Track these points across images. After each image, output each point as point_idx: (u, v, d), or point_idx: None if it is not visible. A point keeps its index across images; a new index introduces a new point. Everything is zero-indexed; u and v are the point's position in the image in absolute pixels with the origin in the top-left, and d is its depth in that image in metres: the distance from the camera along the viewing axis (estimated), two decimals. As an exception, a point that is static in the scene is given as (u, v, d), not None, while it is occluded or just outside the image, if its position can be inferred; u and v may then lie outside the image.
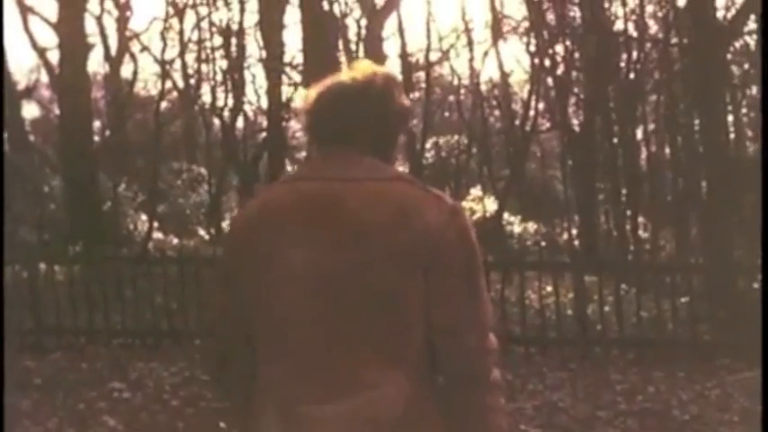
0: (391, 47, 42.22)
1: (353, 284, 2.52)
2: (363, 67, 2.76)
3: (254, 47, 27.44)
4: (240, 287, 2.67)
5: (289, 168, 27.25)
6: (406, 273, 2.53)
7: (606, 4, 22.12)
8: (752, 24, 18.51)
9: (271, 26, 21.29)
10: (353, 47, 27.38)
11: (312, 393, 2.54)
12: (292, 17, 22.32)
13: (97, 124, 28.62)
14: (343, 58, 26.65)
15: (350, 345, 2.53)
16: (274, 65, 21.62)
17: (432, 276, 2.54)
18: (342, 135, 2.69)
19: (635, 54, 22.40)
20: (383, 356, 2.53)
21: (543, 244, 24.63)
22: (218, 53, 27.94)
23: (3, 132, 13.82)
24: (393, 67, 34.72)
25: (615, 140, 22.45)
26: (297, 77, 24.68)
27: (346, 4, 25.47)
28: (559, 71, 23.47)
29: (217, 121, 28.36)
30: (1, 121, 18.87)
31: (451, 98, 31.12)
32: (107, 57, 29.23)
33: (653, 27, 23.44)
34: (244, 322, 2.69)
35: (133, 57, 30.09)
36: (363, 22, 25.91)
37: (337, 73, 2.78)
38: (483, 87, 28.90)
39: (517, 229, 27.70)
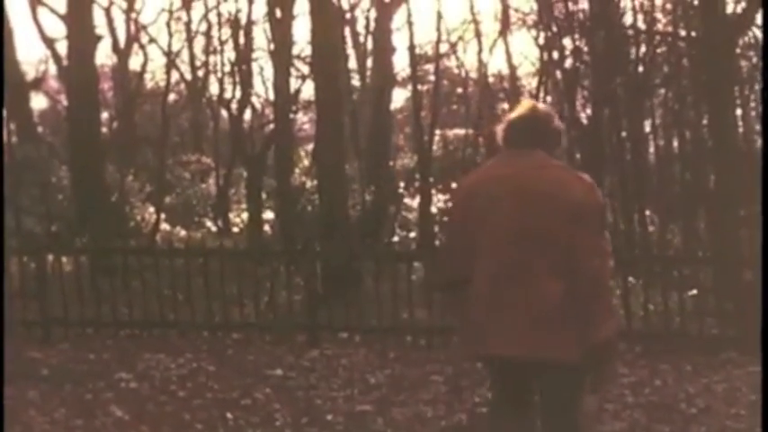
0: (400, 39, 42.15)
1: (531, 226, 4.51)
2: (532, 104, 4.93)
3: (262, 38, 27.43)
4: (464, 227, 4.74)
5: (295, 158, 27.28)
6: (561, 221, 4.47)
7: (615, -3, 22.05)
8: (760, 18, 18.44)
9: (279, 18, 21.26)
10: (362, 39, 27.41)
11: (507, 285, 4.54)
12: (301, 8, 22.35)
13: (105, 116, 28.65)
14: (351, 50, 26.69)
15: (527, 259, 4.51)
16: (282, 57, 21.59)
17: (578, 223, 4.46)
18: (524, 141, 4.71)
19: (643, 47, 22.36)
20: (546, 267, 4.49)
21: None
22: (226, 45, 27.94)
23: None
24: (401, 59, 34.76)
25: (623, 134, 22.41)
26: (305, 69, 24.70)
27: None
28: (568, 64, 23.43)
29: (224, 113, 28.36)
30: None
31: (459, 90, 31.05)
32: (115, 48, 29.23)
33: (661, 20, 23.38)
34: (467, 246, 4.70)
35: (142, 48, 30.10)
36: (372, 14, 25.94)
37: (519, 108, 4.84)
38: (491, 80, 28.86)
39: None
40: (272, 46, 23.48)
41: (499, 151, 4.85)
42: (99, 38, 20.26)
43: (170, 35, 28.65)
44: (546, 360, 4.50)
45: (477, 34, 26.39)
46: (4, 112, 20.22)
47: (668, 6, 22.61)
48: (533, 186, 4.53)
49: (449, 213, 5.25)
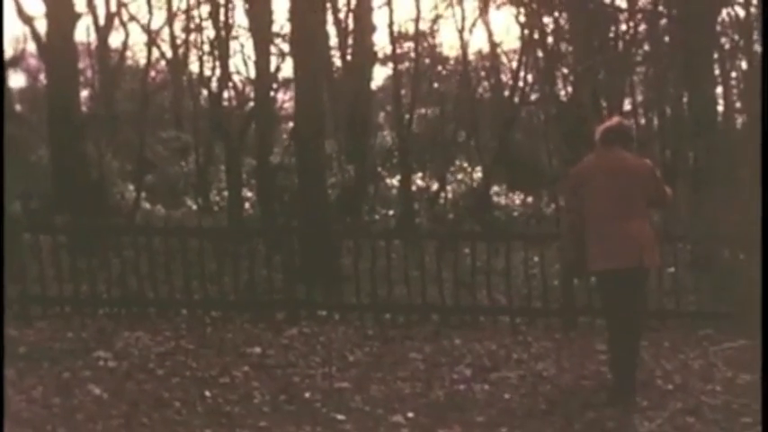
0: (381, 17, 41.98)
1: (620, 191, 7.58)
2: (618, 119, 8.30)
3: (242, 16, 27.25)
4: (580, 191, 7.70)
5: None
6: (638, 185, 7.66)
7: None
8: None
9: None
10: (342, 16, 27.30)
11: (612, 225, 7.53)
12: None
13: (85, 94, 28.47)
14: (331, 28, 26.59)
15: (621, 209, 7.57)
16: (262, 35, 21.48)
17: (649, 186, 7.70)
18: (612, 141, 7.75)
19: (624, 25, 22.35)
20: (634, 211, 7.61)
21: (530, 214, 24.64)
22: (206, 22, 27.75)
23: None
24: (382, 37, 34.66)
25: (604, 112, 22.41)
26: (285, 47, 24.58)
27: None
28: (549, 42, 23.40)
29: (204, 91, 28.22)
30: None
31: (440, 68, 30.98)
32: (95, 26, 29.02)
33: (642, -2, 23.35)
34: (581, 204, 7.68)
35: (124, 25, 29.93)
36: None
37: (609, 121, 8.04)
38: (472, 58, 28.83)
39: (504, 200, 27.70)
40: (252, 24, 23.34)
41: (596, 148, 7.82)
42: (78, 15, 20.08)
43: (150, 13, 28.47)
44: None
45: (460, 12, 26.40)
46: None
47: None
48: (619, 169, 7.60)
49: (568, 187, 8.07)
